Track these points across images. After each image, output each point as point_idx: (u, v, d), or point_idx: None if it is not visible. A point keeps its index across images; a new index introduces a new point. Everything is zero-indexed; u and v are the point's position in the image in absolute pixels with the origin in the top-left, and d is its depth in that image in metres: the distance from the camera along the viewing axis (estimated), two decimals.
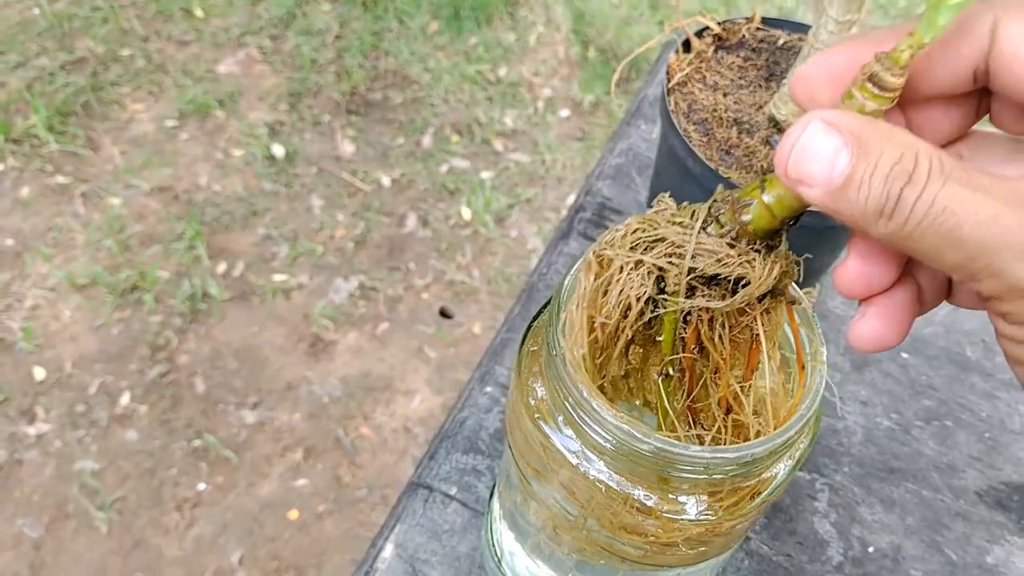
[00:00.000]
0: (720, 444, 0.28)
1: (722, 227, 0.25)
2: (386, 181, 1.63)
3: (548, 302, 0.30)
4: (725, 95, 0.49)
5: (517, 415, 0.31)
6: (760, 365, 0.27)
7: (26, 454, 1.22)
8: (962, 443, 0.51)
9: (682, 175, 0.47)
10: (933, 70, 0.22)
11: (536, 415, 0.29)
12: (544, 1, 2.01)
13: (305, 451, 1.26)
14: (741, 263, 0.25)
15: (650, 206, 0.57)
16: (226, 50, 1.83)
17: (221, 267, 1.46)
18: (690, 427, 0.29)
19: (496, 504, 0.40)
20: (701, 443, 0.28)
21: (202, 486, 1.21)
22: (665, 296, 0.25)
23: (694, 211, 0.26)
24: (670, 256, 0.25)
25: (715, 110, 0.48)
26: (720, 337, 0.26)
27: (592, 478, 0.28)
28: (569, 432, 0.28)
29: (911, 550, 0.47)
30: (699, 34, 0.51)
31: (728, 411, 0.28)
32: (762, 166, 0.46)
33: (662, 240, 0.25)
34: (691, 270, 0.25)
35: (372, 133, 1.71)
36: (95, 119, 1.66)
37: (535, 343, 0.31)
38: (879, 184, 0.19)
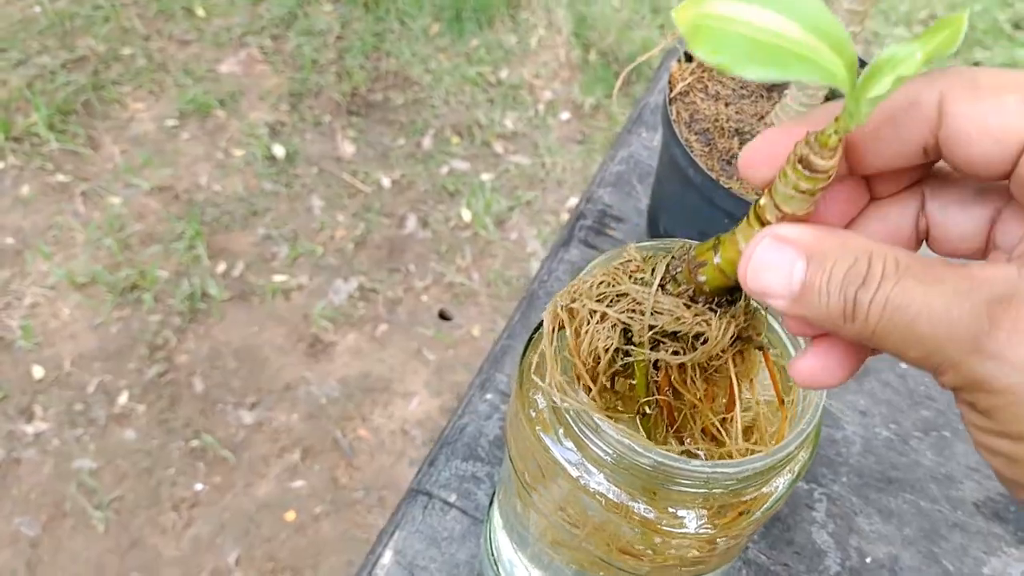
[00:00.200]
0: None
1: (679, 285, 0.26)
2: (386, 182, 1.63)
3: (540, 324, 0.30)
4: (727, 105, 0.49)
5: (518, 426, 0.31)
6: (745, 397, 0.28)
7: (24, 452, 1.22)
8: (960, 454, 0.52)
9: (683, 184, 0.47)
10: (879, 146, 0.22)
11: (537, 427, 0.29)
12: (546, 4, 2.01)
13: (303, 452, 1.26)
14: (697, 323, 0.25)
15: (651, 212, 0.57)
16: (227, 50, 1.83)
17: (221, 267, 1.46)
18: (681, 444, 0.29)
19: (496, 512, 0.40)
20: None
21: (199, 486, 1.21)
22: (631, 347, 0.26)
23: (654, 267, 0.26)
24: (631, 312, 0.26)
25: (717, 120, 0.48)
26: (693, 379, 0.27)
27: (592, 491, 0.28)
28: (569, 444, 0.28)
29: (908, 560, 0.47)
30: None
31: (713, 438, 0.28)
32: None
33: (625, 295, 0.26)
34: (651, 326, 0.26)
35: (373, 134, 1.71)
36: (96, 118, 1.66)
37: (536, 355, 0.31)
38: (836, 290, 0.20)
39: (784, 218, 0.21)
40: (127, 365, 1.32)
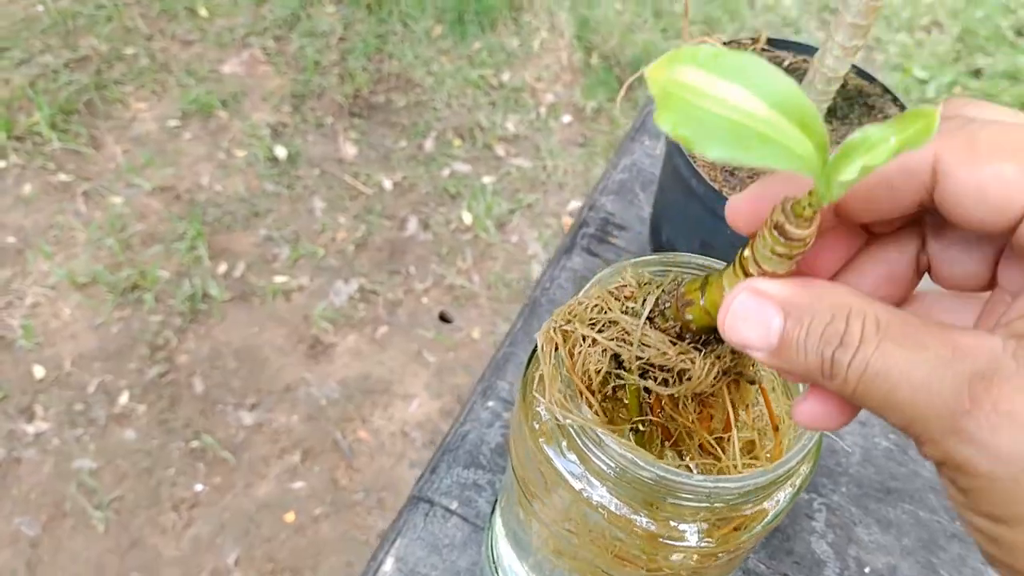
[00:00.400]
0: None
1: (667, 321, 0.26)
2: (388, 184, 1.63)
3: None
4: None
5: (521, 436, 0.31)
6: (740, 421, 0.28)
7: (24, 452, 1.22)
8: None
9: (686, 194, 0.47)
10: (870, 204, 0.21)
11: (540, 438, 0.30)
12: (548, 7, 2.01)
13: (303, 453, 1.26)
14: (681, 360, 0.26)
15: (653, 221, 0.57)
16: (230, 50, 1.83)
17: (222, 267, 1.46)
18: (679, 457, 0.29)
19: (497, 520, 0.40)
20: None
21: (199, 487, 1.22)
22: (622, 371, 0.27)
23: (645, 298, 0.27)
24: (621, 341, 0.26)
25: None
26: (684, 405, 0.27)
27: (595, 503, 0.28)
28: (572, 457, 0.28)
29: (907, 571, 0.47)
30: None
31: (711, 453, 0.29)
32: None
33: (615, 323, 0.27)
34: (639, 357, 0.26)
35: (374, 136, 1.71)
36: (98, 117, 1.66)
37: (539, 367, 0.31)
38: (814, 347, 0.19)
39: (764, 274, 0.21)
40: (127, 365, 1.32)
